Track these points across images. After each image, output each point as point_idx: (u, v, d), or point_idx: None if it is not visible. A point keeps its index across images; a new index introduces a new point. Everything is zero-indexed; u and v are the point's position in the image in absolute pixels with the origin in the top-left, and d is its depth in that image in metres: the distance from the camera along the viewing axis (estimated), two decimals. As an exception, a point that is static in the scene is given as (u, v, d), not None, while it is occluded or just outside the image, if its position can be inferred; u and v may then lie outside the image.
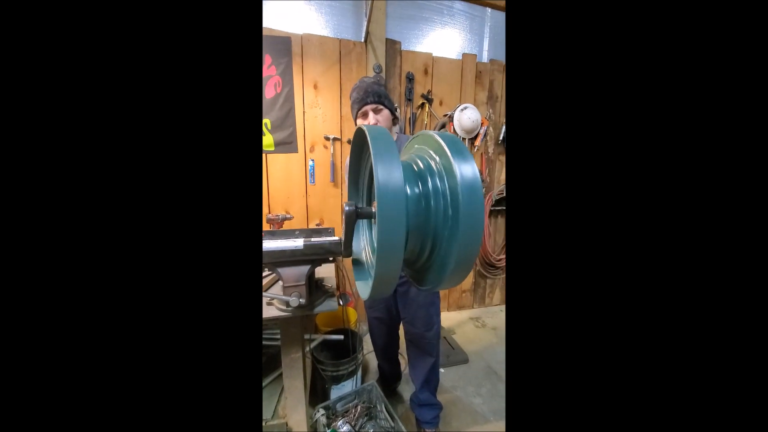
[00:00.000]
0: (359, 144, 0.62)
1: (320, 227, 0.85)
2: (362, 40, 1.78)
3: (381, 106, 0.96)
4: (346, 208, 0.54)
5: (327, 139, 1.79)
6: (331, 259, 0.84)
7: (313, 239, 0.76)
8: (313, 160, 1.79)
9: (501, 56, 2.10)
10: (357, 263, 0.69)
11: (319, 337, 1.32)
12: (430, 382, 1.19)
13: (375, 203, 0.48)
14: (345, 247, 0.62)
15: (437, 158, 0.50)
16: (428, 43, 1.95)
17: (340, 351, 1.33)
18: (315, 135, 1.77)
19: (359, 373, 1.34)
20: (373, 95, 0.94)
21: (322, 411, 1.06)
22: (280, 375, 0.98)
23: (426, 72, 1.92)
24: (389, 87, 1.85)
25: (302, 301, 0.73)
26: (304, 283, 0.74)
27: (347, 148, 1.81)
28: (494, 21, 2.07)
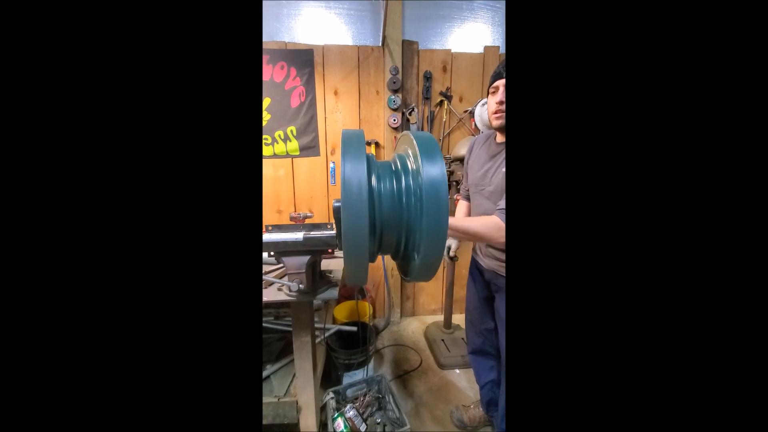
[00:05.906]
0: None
1: (322, 223, 0.92)
2: (380, 44, 1.84)
3: None
4: (335, 204, 0.61)
5: (347, 141, 1.89)
6: (330, 251, 0.92)
7: (312, 233, 0.84)
8: (333, 163, 1.90)
9: (527, 46, 1.99)
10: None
11: (334, 327, 1.40)
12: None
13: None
14: (338, 239, 0.69)
15: (413, 158, 0.53)
16: (447, 40, 1.93)
17: (353, 342, 1.39)
18: (335, 138, 1.88)
19: (371, 363, 1.39)
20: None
21: (331, 394, 1.14)
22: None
23: (444, 69, 1.91)
24: (406, 87, 1.88)
25: (301, 286, 0.81)
26: (304, 271, 0.82)
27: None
28: (519, 10, 1.97)
